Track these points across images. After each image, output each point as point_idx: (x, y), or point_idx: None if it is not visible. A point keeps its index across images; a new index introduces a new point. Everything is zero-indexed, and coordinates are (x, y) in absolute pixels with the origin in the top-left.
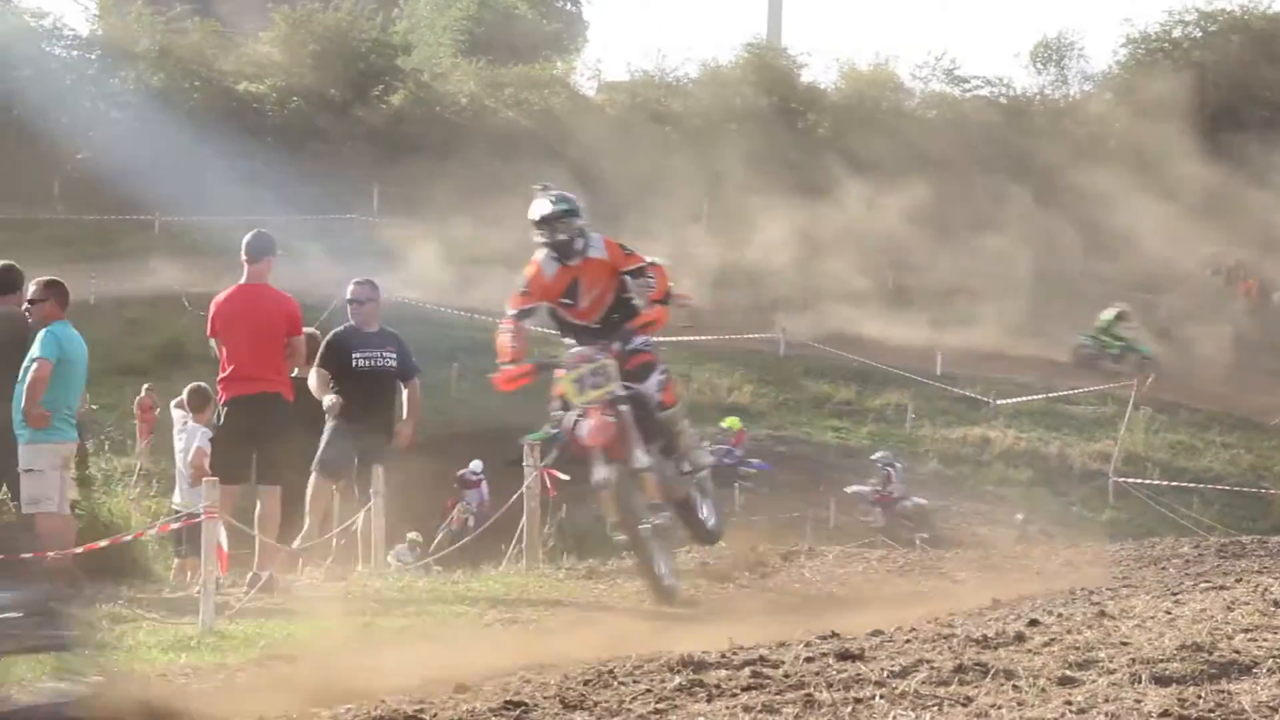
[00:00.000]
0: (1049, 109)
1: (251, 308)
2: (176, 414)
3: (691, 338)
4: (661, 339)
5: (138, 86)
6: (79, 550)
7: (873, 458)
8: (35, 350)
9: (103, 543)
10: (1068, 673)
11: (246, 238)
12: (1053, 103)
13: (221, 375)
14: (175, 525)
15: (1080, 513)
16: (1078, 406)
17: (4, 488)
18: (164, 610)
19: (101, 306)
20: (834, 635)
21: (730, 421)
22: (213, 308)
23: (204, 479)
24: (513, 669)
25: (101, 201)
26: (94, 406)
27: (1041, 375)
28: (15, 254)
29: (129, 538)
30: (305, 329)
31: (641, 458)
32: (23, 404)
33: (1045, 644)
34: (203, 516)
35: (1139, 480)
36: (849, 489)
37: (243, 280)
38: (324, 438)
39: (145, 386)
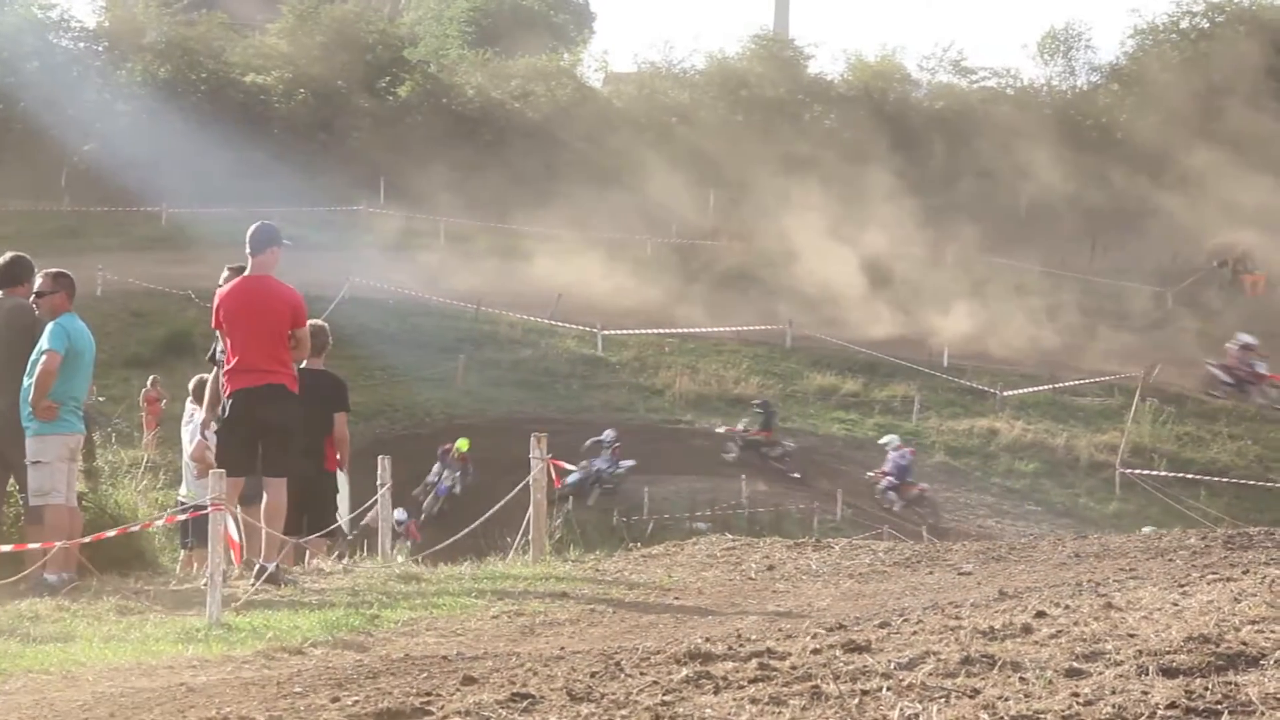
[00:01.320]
0: (1056, 99)
1: (255, 300)
2: (189, 406)
3: (698, 329)
4: (669, 330)
5: (145, 78)
6: (86, 541)
7: (882, 442)
8: (44, 342)
9: (110, 534)
10: (1075, 664)
11: (250, 229)
12: (1060, 93)
13: (226, 367)
14: (182, 517)
15: (1087, 504)
16: (1084, 398)
17: (11, 479)
18: (171, 602)
19: (109, 298)
20: (841, 627)
21: (461, 443)
22: (216, 300)
23: (209, 471)
24: (520, 661)
25: (108, 193)
26: (101, 398)
27: (1048, 367)
28: (23, 245)
29: (136, 529)
30: (311, 320)
31: None
32: (31, 396)
33: (1052, 636)
34: (209, 508)
35: (1146, 471)
36: (870, 473)
37: (247, 272)
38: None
39: (151, 378)
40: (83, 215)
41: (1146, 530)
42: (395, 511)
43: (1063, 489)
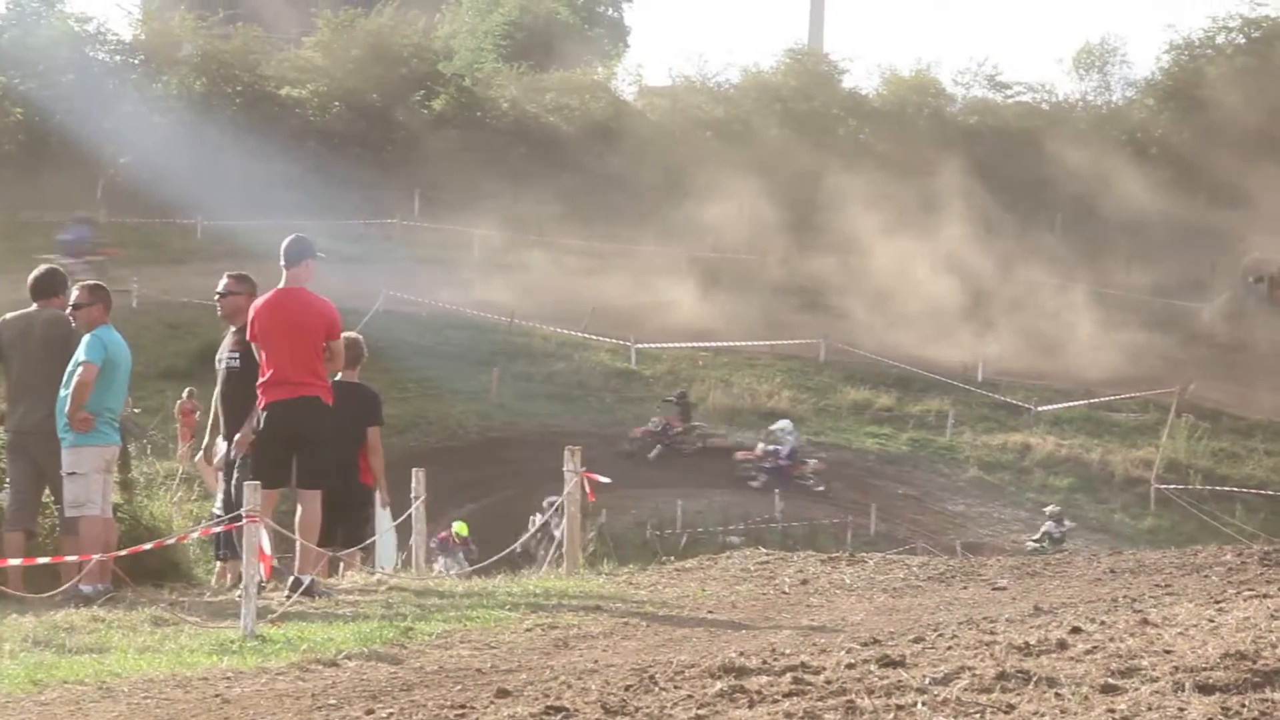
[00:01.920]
0: (1091, 114)
1: (289, 312)
2: None
3: (732, 343)
4: (702, 344)
5: (180, 91)
6: (121, 553)
7: (774, 427)
8: (80, 354)
9: (145, 546)
10: (1110, 680)
11: (284, 242)
12: (1095, 108)
13: (261, 380)
14: (217, 529)
15: (1122, 519)
16: (1119, 414)
17: (47, 491)
18: (206, 614)
19: (144, 310)
20: (875, 642)
21: (459, 528)
22: (251, 312)
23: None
24: (553, 674)
25: (144, 205)
26: (136, 410)
27: (1082, 382)
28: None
29: (171, 541)
30: (346, 333)
31: None
32: (67, 407)
33: (1088, 651)
34: (244, 520)
35: (1181, 487)
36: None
37: (281, 284)
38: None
39: (187, 390)
40: (118, 227)
41: None
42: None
43: (1098, 504)
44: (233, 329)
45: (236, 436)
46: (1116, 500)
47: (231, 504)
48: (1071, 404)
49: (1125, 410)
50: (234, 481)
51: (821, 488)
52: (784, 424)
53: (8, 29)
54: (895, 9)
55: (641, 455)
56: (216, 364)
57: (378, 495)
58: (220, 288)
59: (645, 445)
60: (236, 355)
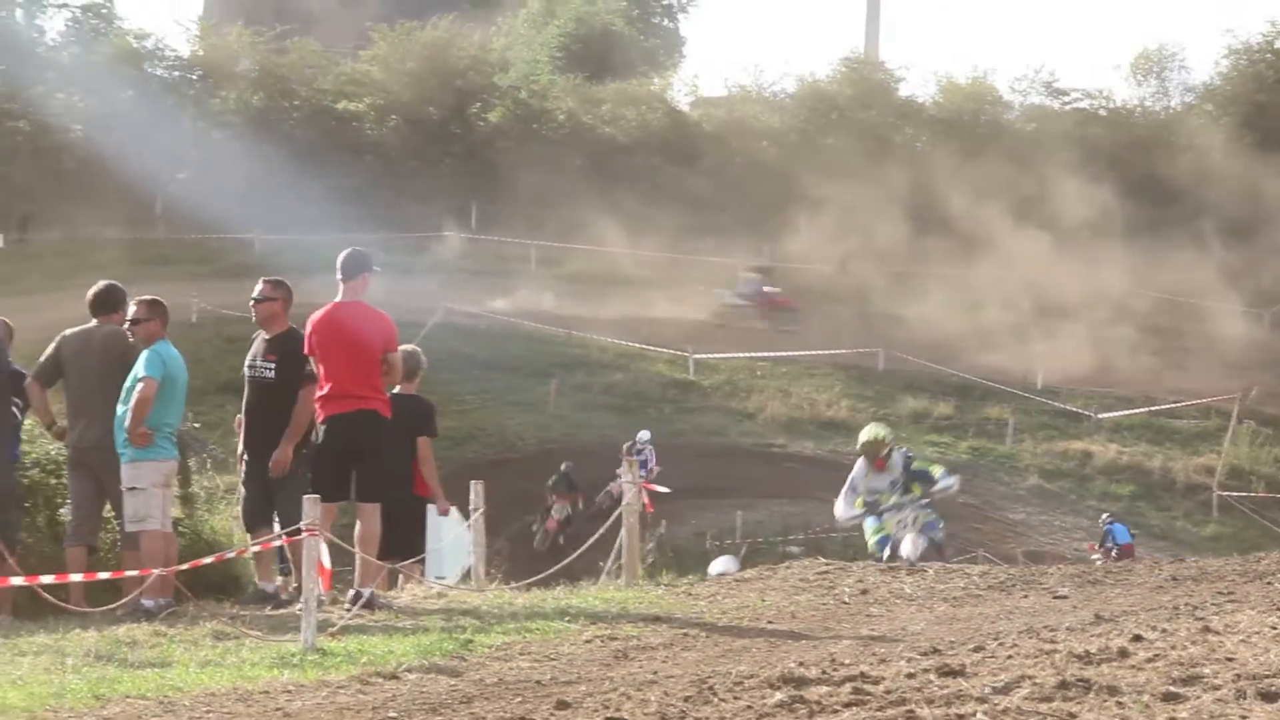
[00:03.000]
0: (1150, 120)
1: (347, 325)
2: None
3: (791, 352)
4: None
5: (238, 106)
6: (182, 568)
7: (639, 437)
8: (140, 369)
9: (206, 560)
10: (1172, 688)
11: (341, 255)
12: (1153, 114)
13: (319, 393)
14: (277, 543)
15: (1184, 526)
16: (1180, 420)
17: (107, 506)
18: (266, 628)
19: (203, 324)
20: (935, 651)
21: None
22: (309, 326)
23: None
24: (613, 685)
25: (202, 221)
26: (196, 425)
27: (1143, 389)
28: (119, 272)
29: (231, 555)
30: (404, 345)
31: None
32: (127, 423)
33: (1149, 660)
34: (304, 534)
35: (1243, 494)
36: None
37: (338, 298)
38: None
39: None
40: (177, 243)
41: None
42: None
43: (1159, 512)
44: (264, 335)
45: (275, 455)
46: (1178, 507)
47: (250, 514)
48: (1132, 411)
49: (1186, 417)
50: (282, 497)
51: None
52: (644, 434)
53: (67, 46)
54: (952, 17)
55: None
56: (245, 370)
57: (434, 505)
58: (255, 293)
59: (552, 537)
60: (271, 366)
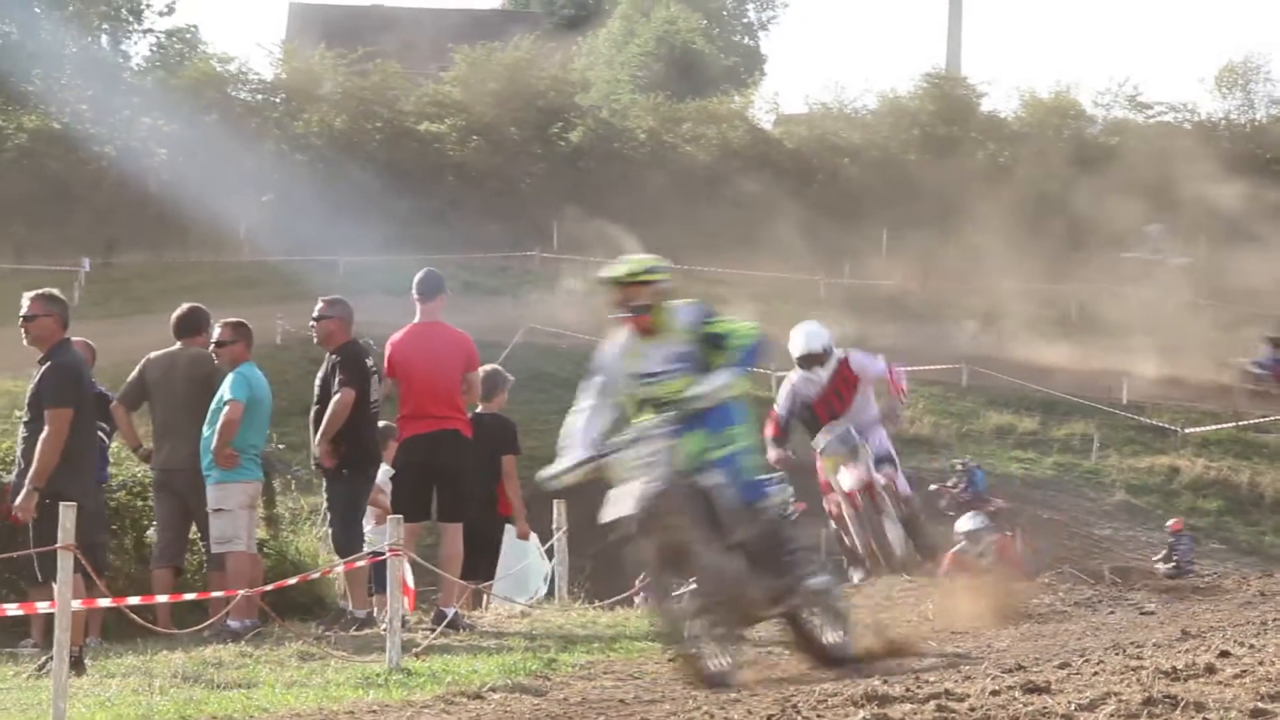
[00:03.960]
0: (1235, 133)
1: (427, 345)
2: None
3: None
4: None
5: (321, 129)
6: (268, 588)
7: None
8: (226, 392)
9: (290, 581)
10: (1260, 705)
11: (417, 276)
12: (1239, 127)
13: (400, 414)
14: (361, 563)
15: (1273, 542)
16: (1268, 435)
17: (194, 527)
18: (351, 648)
19: (288, 346)
20: (1020, 668)
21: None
22: (389, 347)
23: (387, 517)
24: (696, 704)
25: (286, 243)
26: (280, 446)
27: (1230, 403)
28: (204, 295)
29: (316, 575)
30: (485, 365)
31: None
32: (214, 444)
33: (1236, 676)
34: (387, 554)
35: None
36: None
37: (416, 319)
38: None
39: None
40: (261, 265)
41: None
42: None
43: (1247, 527)
44: (329, 354)
45: (317, 450)
46: (1267, 522)
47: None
48: (1219, 426)
49: (1275, 431)
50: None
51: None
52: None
53: (151, 71)
54: (1034, 30)
55: None
56: (316, 390)
57: (513, 527)
58: (314, 312)
59: None
60: (341, 380)
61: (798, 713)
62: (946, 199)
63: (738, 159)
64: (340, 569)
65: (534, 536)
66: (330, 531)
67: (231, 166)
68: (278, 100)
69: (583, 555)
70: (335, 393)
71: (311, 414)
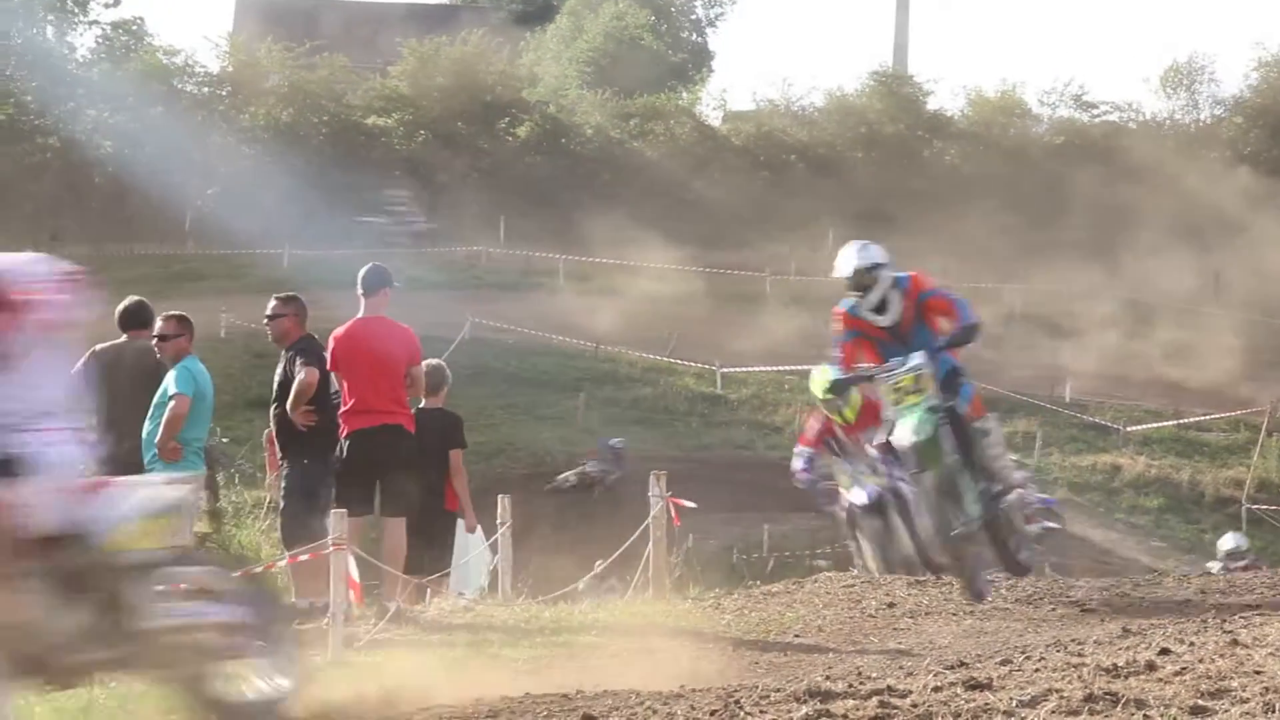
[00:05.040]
0: (1179, 133)
1: (370, 340)
2: None
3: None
4: (788, 367)
5: (267, 122)
6: None
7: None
8: (171, 386)
9: (233, 575)
10: (1200, 702)
11: (362, 271)
12: (1183, 127)
13: (342, 409)
14: (304, 557)
15: (1213, 539)
16: (1210, 433)
17: None
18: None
19: (231, 340)
20: (962, 665)
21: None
22: (332, 342)
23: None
24: (640, 699)
25: (232, 236)
26: (224, 439)
27: (1172, 402)
28: (149, 288)
29: (259, 569)
30: (428, 360)
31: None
32: (158, 438)
33: (1177, 673)
34: (330, 548)
35: (1273, 507)
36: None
37: (360, 313)
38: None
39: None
40: (206, 258)
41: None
42: None
43: (1188, 525)
44: (283, 350)
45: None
46: (1207, 520)
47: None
48: (1161, 424)
49: (1215, 430)
50: (283, 510)
51: None
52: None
53: (97, 63)
54: (980, 30)
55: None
56: (276, 387)
57: (462, 520)
58: (268, 310)
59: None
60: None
61: (740, 708)
62: (894, 196)
63: (685, 155)
64: (284, 562)
65: (479, 530)
66: (281, 521)
67: (177, 159)
68: (224, 93)
69: (527, 549)
70: (298, 373)
71: (271, 414)
